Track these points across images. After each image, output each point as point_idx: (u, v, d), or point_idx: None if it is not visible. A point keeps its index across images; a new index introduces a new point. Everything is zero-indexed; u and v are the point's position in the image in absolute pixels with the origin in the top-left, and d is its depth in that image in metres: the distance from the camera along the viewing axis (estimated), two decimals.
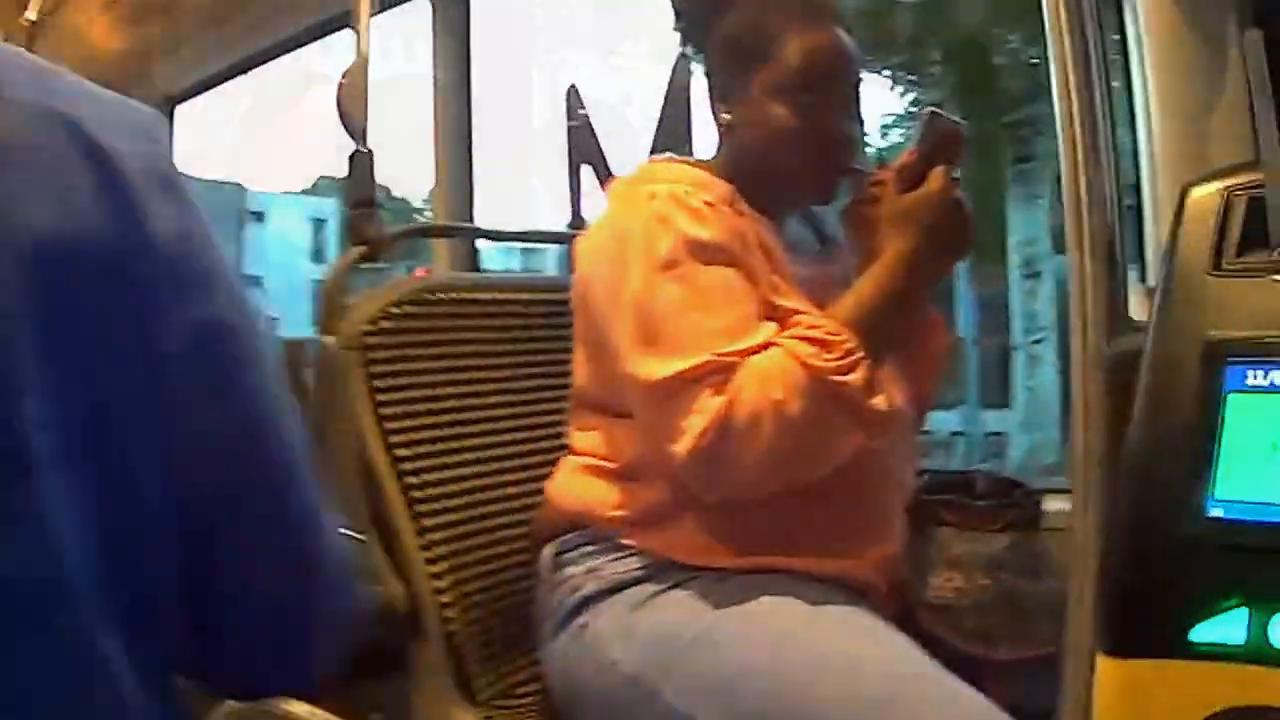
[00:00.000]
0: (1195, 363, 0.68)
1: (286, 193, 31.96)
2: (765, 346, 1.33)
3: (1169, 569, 0.70)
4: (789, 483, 1.36)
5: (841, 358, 1.31)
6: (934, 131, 1.44)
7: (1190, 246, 0.70)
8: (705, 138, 1.87)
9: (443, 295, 1.77)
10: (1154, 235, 0.94)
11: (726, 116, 1.51)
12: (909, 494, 1.58)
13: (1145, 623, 0.73)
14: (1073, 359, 0.84)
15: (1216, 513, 0.68)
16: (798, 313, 1.38)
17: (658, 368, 1.33)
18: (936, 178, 1.40)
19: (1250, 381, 0.67)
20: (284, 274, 25.25)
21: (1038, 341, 10.90)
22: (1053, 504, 1.75)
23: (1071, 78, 0.82)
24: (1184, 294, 0.69)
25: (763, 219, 1.47)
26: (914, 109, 11.36)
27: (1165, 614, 0.72)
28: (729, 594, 1.38)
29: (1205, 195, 0.72)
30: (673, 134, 2.04)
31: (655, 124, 2.05)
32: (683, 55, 2.06)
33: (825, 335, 1.32)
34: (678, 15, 1.60)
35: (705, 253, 1.37)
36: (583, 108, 2.22)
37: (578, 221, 2.26)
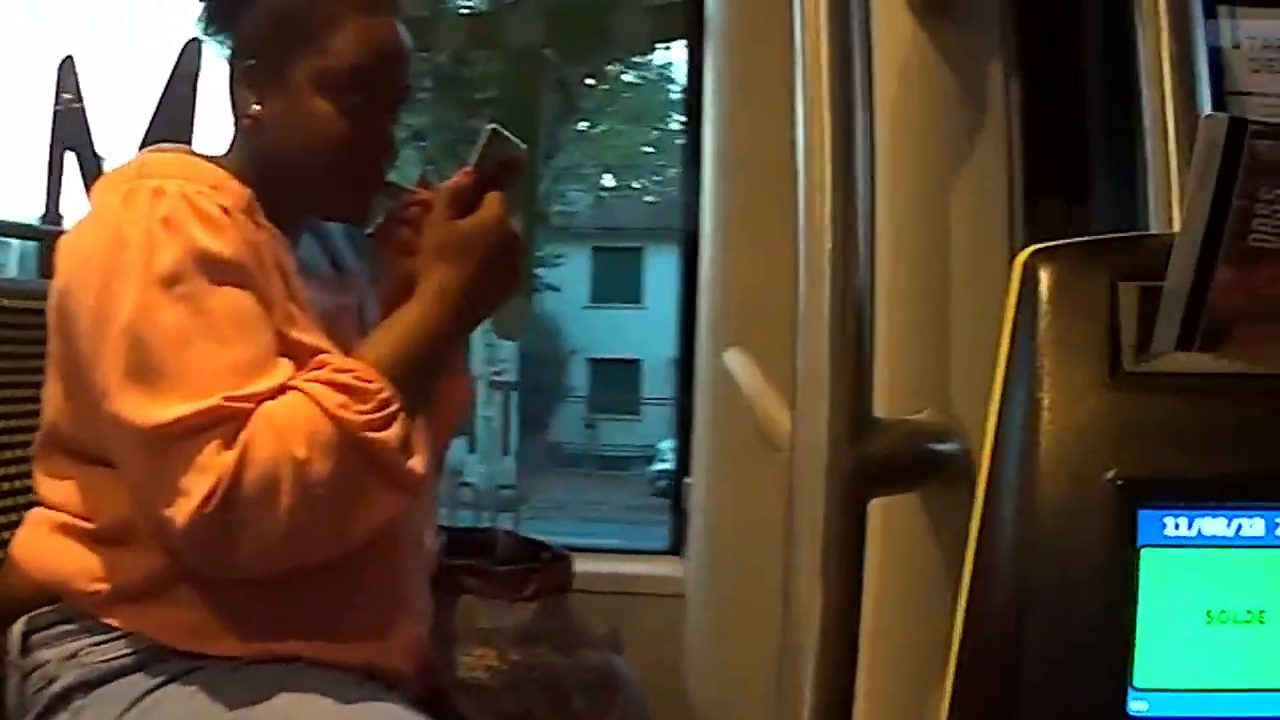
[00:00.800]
0: (1096, 510, 0.52)
1: None
2: (283, 390, 1.14)
3: None
4: (310, 557, 1.18)
5: (376, 410, 1.15)
6: (494, 152, 1.30)
7: (1065, 346, 0.54)
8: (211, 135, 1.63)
9: None
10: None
11: (257, 107, 1.28)
12: (432, 563, 1.43)
13: None
14: (795, 469, 0.66)
15: (1140, 707, 0.52)
16: (318, 350, 1.20)
17: (153, 410, 1.10)
18: (493, 204, 1.27)
19: (1170, 532, 0.52)
20: None
21: (499, 372, 11.29)
22: (585, 565, 1.67)
23: (828, 119, 0.65)
24: (1069, 414, 0.53)
25: (278, 234, 1.26)
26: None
27: None
28: (241, 690, 1.17)
29: (1071, 277, 0.56)
30: (174, 126, 1.84)
31: (153, 111, 1.88)
32: (194, 40, 1.80)
33: (356, 381, 1.15)
34: None
35: (218, 270, 1.15)
36: (77, 86, 1.94)
37: (53, 216, 2.04)
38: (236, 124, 1.31)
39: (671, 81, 20.73)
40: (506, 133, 1.32)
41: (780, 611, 1.62)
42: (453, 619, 1.50)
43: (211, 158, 1.28)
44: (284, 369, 1.15)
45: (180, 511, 1.08)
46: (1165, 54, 0.68)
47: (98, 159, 2.11)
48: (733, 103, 1.71)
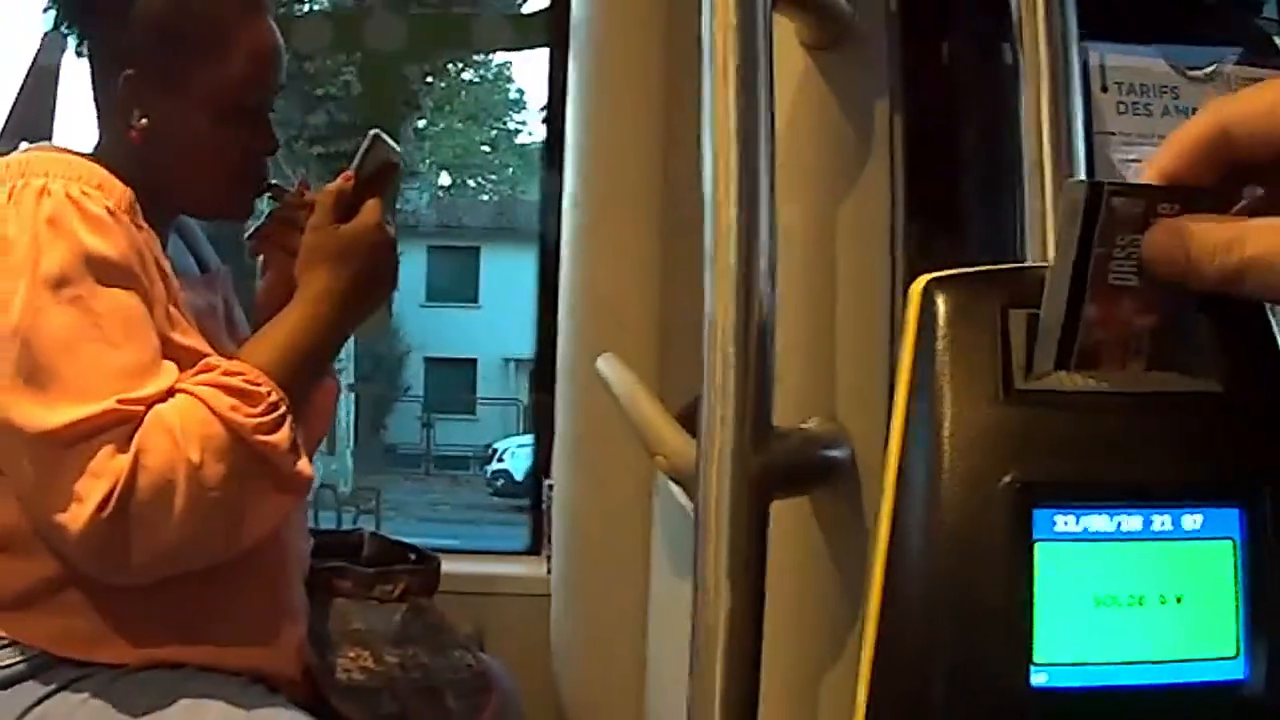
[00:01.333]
0: (995, 510, 0.57)
1: None
2: (172, 392, 1.13)
3: None
4: (202, 561, 1.17)
5: (266, 413, 1.15)
6: (374, 158, 1.32)
7: (962, 365, 0.60)
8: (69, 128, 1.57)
9: None
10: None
11: (144, 121, 1.25)
12: (306, 566, 1.43)
13: None
14: (700, 475, 0.70)
15: (1040, 679, 0.58)
16: (199, 353, 1.19)
17: (43, 415, 1.08)
18: (372, 210, 1.28)
19: (1060, 529, 0.58)
20: None
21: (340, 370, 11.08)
22: (448, 566, 1.66)
23: (733, 124, 0.69)
24: (968, 426, 0.59)
25: (153, 234, 1.24)
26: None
27: None
28: (134, 696, 1.15)
29: (965, 304, 0.62)
30: (34, 119, 1.75)
31: (11, 103, 1.78)
32: (54, 32, 1.73)
33: (245, 385, 1.15)
34: None
35: (105, 272, 1.13)
36: None
37: None
38: (109, 125, 1.28)
39: (509, 81, 20.63)
40: (386, 139, 1.34)
41: (642, 609, 1.67)
42: (327, 621, 1.49)
43: (94, 156, 1.25)
44: (170, 371, 1.14)
45: (74, 517, 1.06)
46: (1044, 99, 0.74)
47: None
48: (595, 111, 1.74)
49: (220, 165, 1.28)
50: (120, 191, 1.20)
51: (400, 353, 17.36)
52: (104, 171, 1.21)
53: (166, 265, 1.23)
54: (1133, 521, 0.60)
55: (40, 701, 1.14)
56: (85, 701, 1.14)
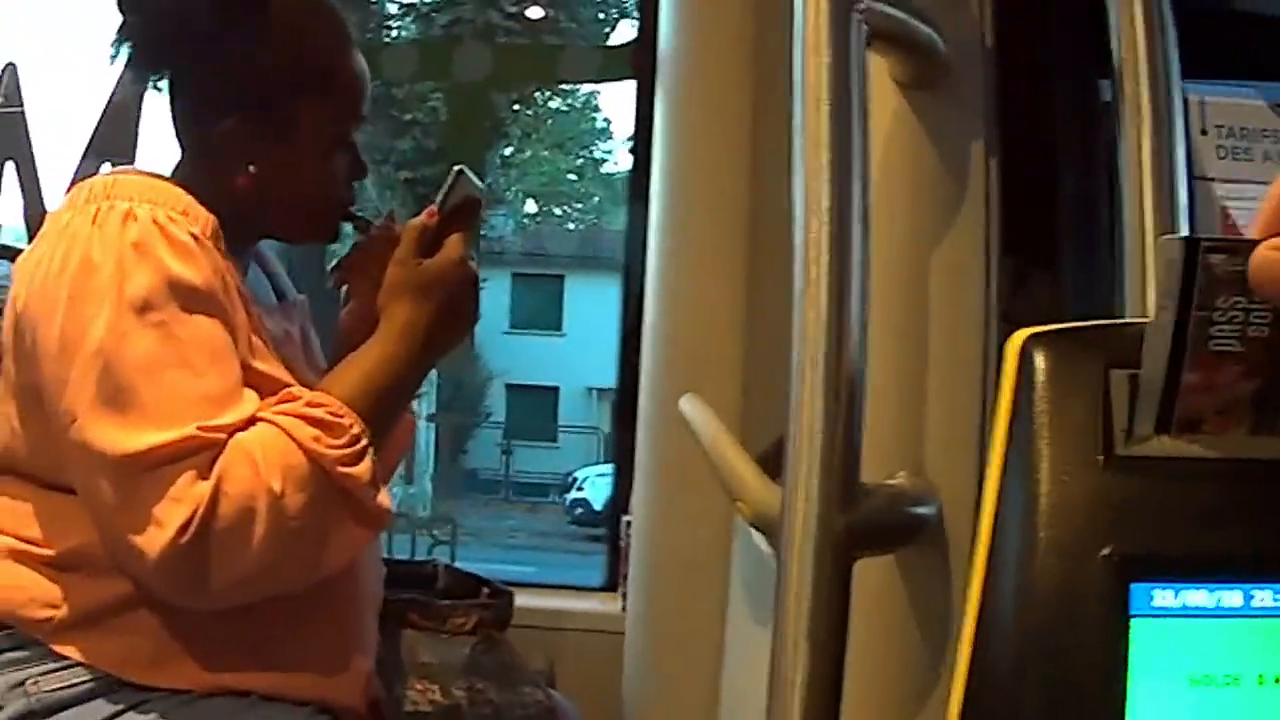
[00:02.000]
0: (1092, 582, 0.54)
1: None
2: (253, 421, 1.12)
3: None
4: (279, 590, 1.16)
5: (348, 445, 1.14)
6: (458, 193, 1.31)
7: (1060, 428, 0.57)
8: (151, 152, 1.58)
9: None
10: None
11: (250, 164, 1.26)
12: (379, 598, 1.41)
13: None
14: (784, 542, 0.67)
15: None
16: (280, 381, 1.19)
17: (124, 439, 1.07)
18: (455, 245, 1.27)
19: (1157, 603, 0.55)
20: None
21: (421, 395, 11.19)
22: (520, 600, 1.66)
23: (825, 161, 0.67)
24: (1066, 492, 0.56)
25: (234, 261, 1.24)
26: None
27: None
28: None
29: (1065, 362, 0.58)
30: (117, 140, 1.78)
31: (96, 123, 1.81)
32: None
33: (328, 416, 1.14)
34: (147, 27, 1.28)
35: (190, 298, 1.13)
36: (18, 93, 1.86)
37: None
38: (196, 156, 1.29)
39: (596, 110, 20.76)
40: (471, 175, 1.33)
41: (717, 652, 1.63)
42: (398, 652, 1.48)
43: (179, 181, 1.26)
44: (252, 400, 1.13)
45: (153, 542, 1.06)
46: (1145, 141, 0.71)
47: (35, 168, 2.03)
48: (681, 143, 1.73)
49: (318, 197, 1.29)
50: (205, 218, 1.20)
51: (482, 380, 17.45)
52: (189, 198, 1.21)
53: (247, 293, 1.23)
54: (1233, 597, 0.57)
55: None
56: None
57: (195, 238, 1.16)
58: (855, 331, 0.68)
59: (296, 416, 1.12)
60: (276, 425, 1.11)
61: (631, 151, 2.12)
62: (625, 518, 2.01)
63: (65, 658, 1.16)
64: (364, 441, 1.15)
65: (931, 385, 0.83)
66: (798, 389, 0.68)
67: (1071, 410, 0.58)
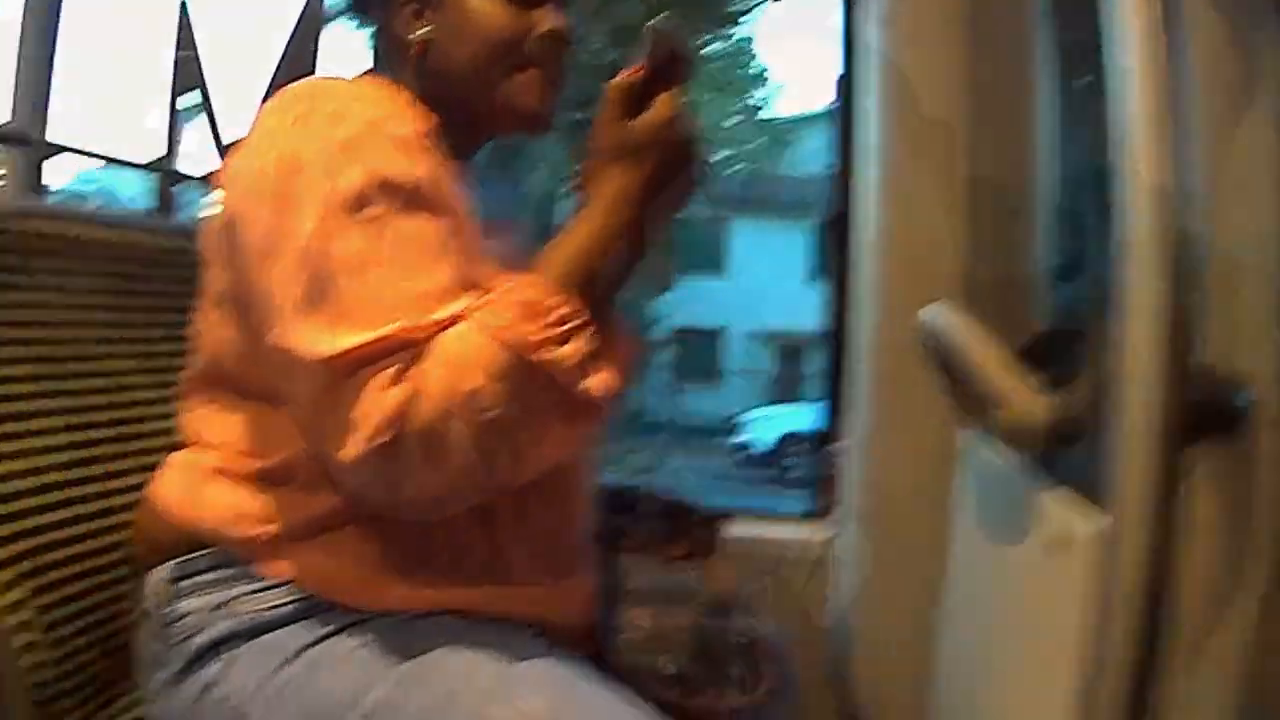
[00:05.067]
0: None
1: None
2: (460, 319, 1.03)
3: None
4: (482, 493, 1.07)
5: (554, 325, 1.03)
6: (659, 49, 1.15)
7: None
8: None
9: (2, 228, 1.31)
10: None
11: (423, 28, 1.19)
12: (594, 515, 1.32)
13: None
14: (1116, 420, 0.61)
15: None
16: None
17: (324, 341, 1.00)
18: (665, 103, 1.13)
19: None
20: None
21: None
22: (733, 529, 1.59)
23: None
24: None
25: (452, 165, 1.15)
26: None
27: None
28: (412, 646, 1.09)
29: None
30: (298, 70, 1.77)
31: (280, 57, 1.81)
32: None
33: (532, 298, 1.04)
34: None
35: (405, 197, 1.05)
36: (191, 36, 1.89)
37: (170, 160, 1.99)
38: (399, 55, 1.22)
39: (752, 56, 20.54)
40: (669, 31, 1.17)
41: (932, 580, 1.58)
42: (616, 577, 1.43)
43: (390, 81, 1.20)
44: (461, 302, 1.05)
45: (349, 446, 0.99)
46: None
47: (211, 111, 2.04)
48: (893, 74, 1.69)
49: (506, 60, 1.21)
50: (422, 118, 1.15)
51: (648, 322, 17.52)
52: (402, 97, 1.17)
53: (467, 197, 1.16)
54: None
55: (311, 645, 1.10)
56: (357, 649, 1.09)
57: (413, 136, 1.10)
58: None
59: (497, 306, 1.04)
60: (478, 321, 1.03)
61: (839, 80, 2.03)
62: (833, 446, 1.97)
63: (269, 578, 1.12)
64: (574, 322, 1.05)
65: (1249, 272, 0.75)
66: (1128, 263, 0.61)
67: None
